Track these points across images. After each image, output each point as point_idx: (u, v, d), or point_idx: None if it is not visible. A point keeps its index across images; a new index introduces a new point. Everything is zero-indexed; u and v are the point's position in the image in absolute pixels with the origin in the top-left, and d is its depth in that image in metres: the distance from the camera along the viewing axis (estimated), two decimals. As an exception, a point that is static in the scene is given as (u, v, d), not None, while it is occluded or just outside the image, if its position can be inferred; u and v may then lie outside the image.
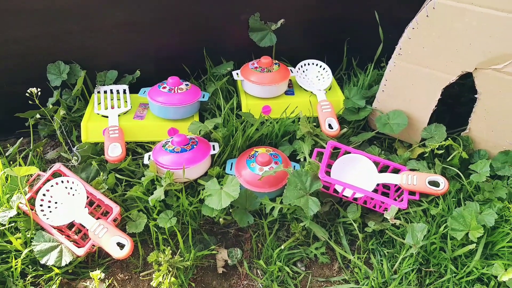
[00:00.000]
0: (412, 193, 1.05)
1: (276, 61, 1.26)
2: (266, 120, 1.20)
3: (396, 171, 1.11)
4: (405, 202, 1.02)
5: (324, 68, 1.32)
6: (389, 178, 1.07)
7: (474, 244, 0.94)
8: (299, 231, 1.04)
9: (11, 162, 1.15)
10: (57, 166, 1.03)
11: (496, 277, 0.94)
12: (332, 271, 1.03)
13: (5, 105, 1.19)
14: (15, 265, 0.93)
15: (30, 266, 0.96)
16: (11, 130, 1.25)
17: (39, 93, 1.04)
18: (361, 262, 1.00)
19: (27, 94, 1.06)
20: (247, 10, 1.26)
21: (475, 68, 1.02)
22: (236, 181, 0.98)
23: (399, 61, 1.10)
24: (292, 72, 1.29)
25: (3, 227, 0.97)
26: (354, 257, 1.02)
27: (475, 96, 1.07)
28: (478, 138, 1.13)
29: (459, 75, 1.05)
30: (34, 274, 0.95)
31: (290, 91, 1.29)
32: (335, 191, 1.07)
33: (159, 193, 0.95)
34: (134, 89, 1.26)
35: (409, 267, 0.97)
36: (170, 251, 0.94)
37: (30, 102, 1.06)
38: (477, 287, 0.93)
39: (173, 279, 0.91)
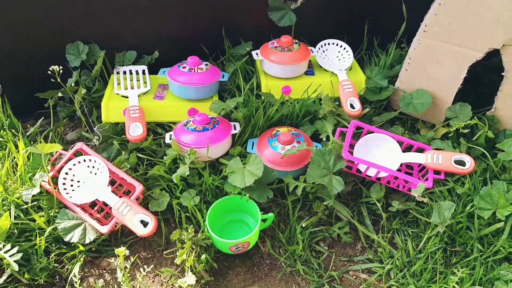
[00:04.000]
0: (437, 172, 1.04)
1: (296, 41, 1.24)
2: (287, 100, 1.19)
3: (419, 151, 1.09)
4: (430, 181, 1.00)
5: (344, 48, 1.30)
6: (413, 157, 1.06)
7: (502, 223, 0.92)
8: (322, 210, 1.03)
9: (31, 142, 1.14)
10: (79, 145, 1.03)
11: (524, 256, 0.93)
12: (355, 250, 1.02)
13: (24, 86, 1.19)
14: (39, 243, 0.93)
15: (53, 244, 0.97)
16: (30, 112, 1.25)
17: (61, 71, 1.04)
18: (385, 242, 0.99)
19: (49, 72, 1.05)
20: (267, -11, 1.24)
21: (503, 45, 0.99)
22: (259, 159, 0.97)
23: (424, 38, 1.08)
24: (312, 52, 1.27)
25: (27, 205, 0.97)
26: (378, 237, 1.01)
27: (502, 74, 1.05)
28: (504, 118, 1.10)
29: (486, 52, 1.02)
30: (57, 252, 0.96)
31: (310, 71, 1.27)
32: (358, 170, 1.05)
33: (183, 170, 0.95)
34: (152, 71, 1.25)
35: (435, 246, 0.96)
36: (193, 229, 0.93)
37: (52, 80, 1.06)
38: (504, 266, 0.92)
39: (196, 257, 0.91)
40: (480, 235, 0.96)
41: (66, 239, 0.92)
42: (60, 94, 1.11)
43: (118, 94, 1.16)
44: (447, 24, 1.03)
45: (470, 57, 1.04)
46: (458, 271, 0.92)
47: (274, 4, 1.25)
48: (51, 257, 0.95)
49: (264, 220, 0.99)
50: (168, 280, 0.95)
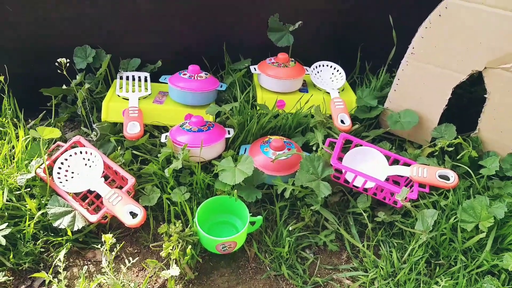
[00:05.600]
0: (422, 186, 1.07)
1: (292, 59, 1.32)
2: (280, 113, 1.24)
3: (406, 166, 1.12)
4: (415, 192, 1.03)
5: (338, 70, 1.37)
6: (399, 170, 1.09)
7: (485, 233, 0.94)
8: (309, 216, 1.04)
9: (36, 128, 1.17)
10: (77, 138, 1.06)
11: (507, 270, 0.93)
12: (340, 260, 1.03)
13: (30, 84, 1.23)
14: (28, 227, 0.94)
15: (41, 231, 0.97)
16: (33, 108, 1.28)
17: (68, 64, 1.09)
18: (370, 252, 1.00)
19: (56, 64, 1.10)
20: (267, 11, 1.32)
21: (485, 68, 1.06)
22: (250, 159, 1.00)
23: (412, 60, 1.15)
24: (307, 71, 1.34)
25: (20, 191, 0.98)
26: (363, 246, 1.02)
27: (485, 96, 1.11)
28: (487, 139, 1.15)
29: (469, 74, 1.09)
30: (45, 239, 0.96)
31: (304, 89, 1.33)
32: (346, 181, 1.08)
33: (176, 164, 0.97)
34: (154, 79, 1.31)
35: (419, 256, 0.97)
36: (181, 224, 0.95)
37: (58, 71, 1.11)
38: (487, 279, 0.93)
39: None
40: (463, 247, 0.97)
41: (55, 224, 0.93)
42: (64, 87, 1.15)
43: (119, 96, 1.21)
44: (433, 47, 1.10)
45: (454, 79, 1.11)
46: (442, 280, 0.92)
47: (274, 25, 1.34)
48: (37, 243, 0.95)
49: (252, 223, 1.01)
50: (152, 275, 0.94)
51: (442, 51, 1.10)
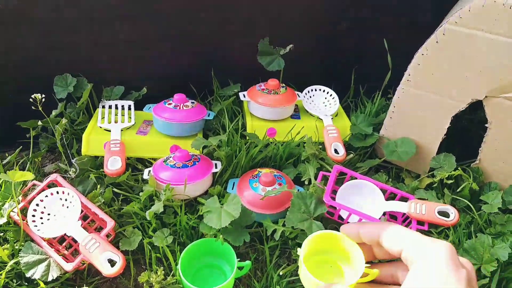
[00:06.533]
0: (420, 223, 1.00)
1: (283, 84, 1.26)
2: (271, 142, 1.18)
3: (403, 200, 1.07)
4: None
5: (331, 95, 1.31)
6: (396, 206, 1.03)
7: (488, 279, 0.88)
8: (301, 257, 0.98)
9: (7, 172, 1.11)
10: (54, 176, 1.00)
11: (511, 317, 0.88)
12: (335, 303, 0.97)
13: (9, 116, 1.18)
14: (-1, 277, 0.88)
15: (14, 281, 0.91)
16: (13, 142, 1.22)
17: (43, 99, 1.03)
18: (366, 294, 0.94)
19: (31, 100, 1.04)
20: (257, 34, 1.27)
21: (486, 96, 1.00)
22: (237, 199, 0.94)
23: (408, 87, 1.09)
24: (299, 96, 1.28)
25: (-9, 237, 0.93)
26: (359, 288, 0.96)
27: (486, 125, 1.05)
28: (489, 170, 1.09)
29: (469, 103, 1.03)
30: (18, 289, 0.90)
31: (296, 115, 1.27)
32: (340, 217, 1.02)
33: (157, 207, 0.91)
34: (139, 107, 1.25)
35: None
36: (163, 271, 0.88)
37: (33, 107, 1.05)
38: (491, 327, 0.87)
39: (165, 300, 0.85)
40: (465, 291, 0.91)
41: (28, 274, 0.87)
42: (40, 123, 1.09)
43: (101, 127, 1.15)
44: (429, 74, 1.04)
45: (453, 107, 1.05)
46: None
47: (264, 49, 1.28)
48: (9, 294, 0.89)
49: (240, 268, 0.95)
50: (132, 327, 0.88)
51: (440, 79, 1.04)
